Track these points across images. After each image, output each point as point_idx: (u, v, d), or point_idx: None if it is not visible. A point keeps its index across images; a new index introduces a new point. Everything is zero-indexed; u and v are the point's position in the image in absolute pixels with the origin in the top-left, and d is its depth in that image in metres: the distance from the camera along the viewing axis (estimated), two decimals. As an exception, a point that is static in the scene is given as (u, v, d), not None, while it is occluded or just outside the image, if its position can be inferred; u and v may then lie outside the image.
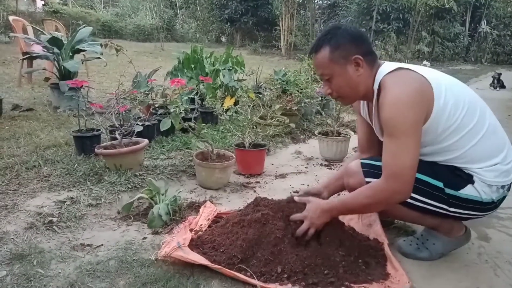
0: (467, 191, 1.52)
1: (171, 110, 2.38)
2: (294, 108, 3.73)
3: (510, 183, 1.57)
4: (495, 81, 8.60)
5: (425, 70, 1.51)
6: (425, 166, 1.54)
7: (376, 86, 1.51)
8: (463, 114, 1.47)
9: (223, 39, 18.25)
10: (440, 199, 1.53)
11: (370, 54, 1.54)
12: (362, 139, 1.88)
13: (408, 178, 1.42)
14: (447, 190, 1.52)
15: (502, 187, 1.54)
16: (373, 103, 1.57)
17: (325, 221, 1.57)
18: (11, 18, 5.40)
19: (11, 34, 5.20)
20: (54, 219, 1.84)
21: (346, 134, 3.17)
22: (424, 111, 1.42)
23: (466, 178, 1.52)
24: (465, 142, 1.49)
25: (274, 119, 3.38)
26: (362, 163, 1.63)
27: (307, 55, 1.66)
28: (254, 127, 2.85)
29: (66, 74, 4.00)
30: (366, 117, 1.77)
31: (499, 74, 8.70)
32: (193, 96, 2.99)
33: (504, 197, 1.59)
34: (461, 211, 1.56)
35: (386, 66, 1.52)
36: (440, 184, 1.52)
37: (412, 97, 1.40)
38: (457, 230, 1.68)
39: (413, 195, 1.52)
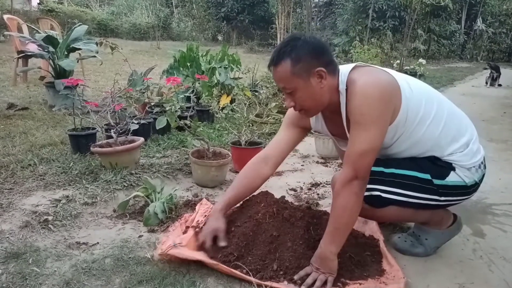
0: (452, 178, 1.55)
1: (167, 108, 2.38)
2: (290, 106, 3.72)
3: (483, 158, 1.63)
4: (493, 71, 8.47)
5: (381, 67, 1.53)
6: (409, 162, 1.56)
7: (343, 87, 1.47)
8: (423, 104, 1.50)
9: (219, 38, 18.22)
10: (430, 191, 1.55)
11: (331, 63, 1.48)
12: (277, 146, 1.77)
13: (363, 164, 1.39)
14: (436, 181, 1.54)
15: (479, 166, 1.59)
16: (342, 107, 1.50)
17: (330, 264, 1.43)
18: (5, 16, 5.35)
19: (6, 33, 5.16)
20: (50, 218, 1.83)
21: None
22: (393, 103, 1.43)
23: (447, 166, 1.55)
24: (434, 128, 1.52)
25: (270, 117, 3.39)
26: None
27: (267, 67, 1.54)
28: (250, 125, 2.85)
29: (61, 73, 3.99)
30: (321, 129, 1.73)
31: (494, 64, 8.63)
32: (189, 94, 2.99)
33: (483, 175, 1.63)
34: (451, 198, 1.60)
35: (345, 67, 1.51)
36: (428, 176, 1.54)
37: (382, 87, 1.40)
38: (446, 221, 1.71)
39: (406, 192, 1.54)
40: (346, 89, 1.46)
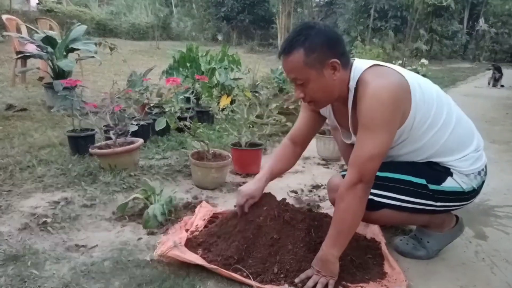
0: (449, 184, 1.52)
1: (166, 109, 2.37)
2: (291, 107, 3.71)
3: (485, 166, 1.59)
4: (496, 72, 8.45)
5: (399, 68, 1.49)
6: (405, 166, 1.55)
7: (353, 84, 1.44)
8: (434, 109, 1.47)
9: (219, 38, 18.19)
10: (426, 196, 1.53)
11: (345, 54, 1.45)
12: (300, 130, 1.77)
13: (369, 169, 1.36)
14: (431, 186, 1.52)
15: (479, 173, 1.56)
16: (349, 103, 1.49)
17: (331, 267, 1.42)
18: (4, 16, 5.34)
19: (5, 33, 5.14)
20: (48, 220, 1.82)
21: (342, 132, 3.15)
22: (402, 108, 1.40)
23: (445, 171, 1.53)
24: (440, 136, 1.49)
25: (270, 118, 3.36)
26: (343, 175, 1.57)
27: (277, 56, 1.50)
28: (251, 126, 2.83)
29: (60, 73, 3.98)
30: (328, 117, 1.73)
31: (497, 65, 8.62)
32: (188, 95, 2.98)
33: (483, 182, 1.60)
34: (448, 204, 1.57)
35: (361, 63, 1.47)
36: (423, 181, 1.52)
37: (393, 92, 1.36)
38: (448, 223, 1.69)
39: (399, 196, 1.52)
40: (356, 88, 1.43)
